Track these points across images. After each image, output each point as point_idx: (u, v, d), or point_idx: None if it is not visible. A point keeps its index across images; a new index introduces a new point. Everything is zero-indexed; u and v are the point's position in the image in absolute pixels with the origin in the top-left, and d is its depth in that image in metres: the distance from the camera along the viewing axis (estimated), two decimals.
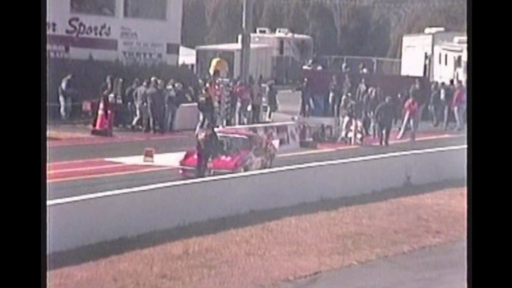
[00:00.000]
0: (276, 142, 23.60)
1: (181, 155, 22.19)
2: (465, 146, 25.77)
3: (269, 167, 20.77)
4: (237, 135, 21.97)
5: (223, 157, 20.56)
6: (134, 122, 27.95)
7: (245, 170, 20.09)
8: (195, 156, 20.31)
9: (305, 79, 35.27)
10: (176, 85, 29.09)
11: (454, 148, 23.76)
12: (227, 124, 27.59)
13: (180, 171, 20.28)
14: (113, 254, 13.96)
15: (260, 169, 20.37)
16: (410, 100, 29.48)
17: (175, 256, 14.26)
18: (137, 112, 28.38)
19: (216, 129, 21.69)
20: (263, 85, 32.67)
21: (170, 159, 23.14)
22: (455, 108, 31.77)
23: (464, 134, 29.61)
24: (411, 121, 29.40)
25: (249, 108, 30.53)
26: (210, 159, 20.17)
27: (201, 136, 20.58)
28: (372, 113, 28.43)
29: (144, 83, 28.58)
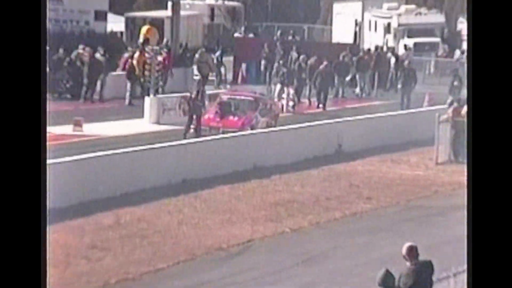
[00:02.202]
0: (280, 103, 25.66)
1: (110, 124, 21.96)
2: (395, 112, 25.81)
3: (274, 126, 22.02)
4: (243, 97, 23.38)
5: (230, 117, 22.15)
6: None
7: (252, 129, 21.36)
8: (208, 116, 21.94)
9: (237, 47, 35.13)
10: (104, 53, 28.62)
11: (384, 115, 23.97)
12: (158, 92, 27.27)
13: (191, 130, 21.77)
14: None
15: (265, 128, 21.69)
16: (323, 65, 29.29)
17: (106, 227, 14.10)
18: (65, 81, 27.88)
19: (201, 91, 22.99)
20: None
21: (100, 129, 22.83)
22: (357, 74, 31.73)
23: (393, 100, 29.67)
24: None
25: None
26: (218, 119, 21.90)
27: (188, 98, 21.97)
28: (309, 80, 28.52)
29: (73, 52, 28.06)
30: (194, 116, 21.84)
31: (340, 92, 31.32)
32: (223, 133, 20.76)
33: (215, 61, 32.34)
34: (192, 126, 21.76)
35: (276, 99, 27.92)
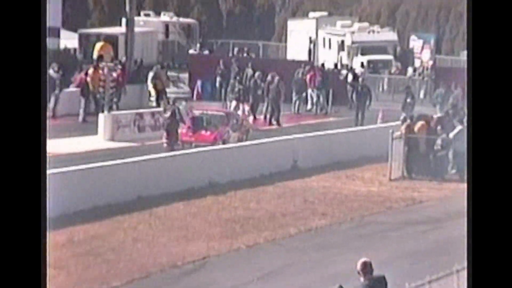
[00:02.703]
0: (250, 119, 26.21)
1: (63, 141, 21.89)
2: (349, 129, 25.93)
3: (245, 141, 22.58)
4: (215, 112, 24.15)
5: (203, 132, 22.70)
6: None
7: (224, 144, 21.85)
8: (181, 131, 22.46)
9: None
10: (58, 69, 28.41)
11: (340, 131, 24.12)
12: (112, 109, 27.12)
13: (165, 145, 22.18)
14: None
15: (236, 142, 22.22)
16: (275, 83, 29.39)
17: (59, 245, 13.94)
18: None
19: (179, 107, 23.38)
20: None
21: (53, 146, 22.61)
22: (310, 91, 31.86)
23: (347, 117, 29.75)
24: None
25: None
26: (191, 134, 22.53)
27: (166, 114, 22.48)
28: (266, 96, 28.67)
29: None
30: (166, 132, 22.30)
31: (296, 108, 31.47)
32: (195, 147, 21.23)
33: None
34: (165, 141, 22.24)
35: None
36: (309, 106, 32.05)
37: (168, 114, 22.43)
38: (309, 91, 31.99)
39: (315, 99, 32.19)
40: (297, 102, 31.64)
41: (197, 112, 23.75)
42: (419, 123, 21.38)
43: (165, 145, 22.07)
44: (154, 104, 30.55)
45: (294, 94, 31.40)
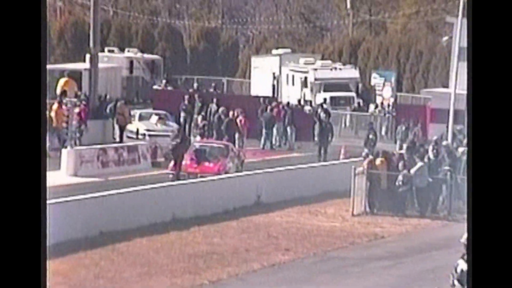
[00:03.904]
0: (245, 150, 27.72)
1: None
2: (312, 164, 26.02)
3: (241, 171, 23.64)
4: (215, 144, 25.51)
5: (206, 163, 23.74)
6: None
7: (226, 173, 22.94)
8: (185, 162, 23.40)
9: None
10: None
11: (303, 166, 24.26)
12: (75, 144, 27.02)
13: (170, 176, 22.99)
14: None
15: (234, 172, 23.42)
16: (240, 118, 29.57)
17: None
18: None
19: (185, 138, 24.57)
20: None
21: None
22: (275, 126, 32.00)
23: (310, 152, 29.71)
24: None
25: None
26: (195, 165, 23.47)
27: (172, 146, 23.52)
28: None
29: None
30: (172, 162, 23.27)
31: (269, 144, 31.51)
32: (200, 177, 22.15)
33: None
34: (169, 171, 23.17)
35: None
36: (273, 142, 32.17)
37: (178, 140, 23.34)
38: (276, 127, 32.16)
39: (279, 135, 32.33)
40: (265, 137, 31.74)
41: (197, 145, 24.90)
42: (380, 159, 21.59)
43: (170, 175, 22.86)
44: (117, 139, 30.50)
45: (264, 129, 31.50)
